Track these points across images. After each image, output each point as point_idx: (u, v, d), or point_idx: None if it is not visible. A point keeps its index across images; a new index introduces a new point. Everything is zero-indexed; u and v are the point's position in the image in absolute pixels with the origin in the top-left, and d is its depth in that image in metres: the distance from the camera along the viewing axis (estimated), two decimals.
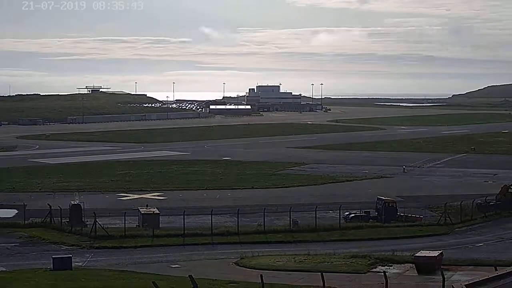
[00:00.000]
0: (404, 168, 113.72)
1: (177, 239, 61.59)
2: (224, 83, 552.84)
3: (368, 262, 52.34)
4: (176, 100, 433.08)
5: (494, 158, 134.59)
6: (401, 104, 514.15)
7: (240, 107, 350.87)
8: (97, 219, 62.28)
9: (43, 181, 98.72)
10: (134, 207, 72.92)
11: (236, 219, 65.53)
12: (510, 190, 78.58)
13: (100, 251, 57.91)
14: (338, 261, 52.80)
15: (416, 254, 51.54)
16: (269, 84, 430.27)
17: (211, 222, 64.26)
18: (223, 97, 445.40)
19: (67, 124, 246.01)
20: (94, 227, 62.11)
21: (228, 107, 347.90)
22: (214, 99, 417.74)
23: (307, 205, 76.99)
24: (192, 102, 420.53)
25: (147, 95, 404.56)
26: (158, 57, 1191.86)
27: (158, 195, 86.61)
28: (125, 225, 62.83)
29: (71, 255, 51.74)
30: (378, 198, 73.99)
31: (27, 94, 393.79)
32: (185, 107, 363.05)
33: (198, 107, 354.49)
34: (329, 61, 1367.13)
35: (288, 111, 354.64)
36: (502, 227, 69.40)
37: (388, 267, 50.99)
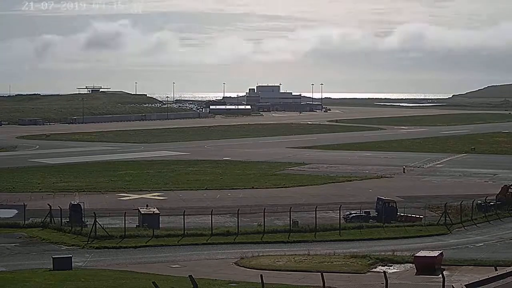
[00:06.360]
0: (404, 168, 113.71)
1: (177, 239, 61.57)
2: (224, 83, 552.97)
3: (368, 262, 52.38)
4: (176, 100, 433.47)
5: (494, 158, 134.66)
6: (401, 104, 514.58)
7: (240, 107, 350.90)
8: (97, 219, 62.23)
9: (43, 181, 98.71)
10: (134, 207, 72.86)
11: (236, 219, 65.51)
12: (510, 190, 78.62)
13: (100, 251, 57.90)
14: (338, 261, 52.82)
15: (416, 254, 51.58)
16: (269, 84, 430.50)
17: (211, 222, 64.21)
18: (223, 97, 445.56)
19: (67, 124, 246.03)
20: (94, 227, 62.08)
21: (228, 107, 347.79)
22: (214, 99, 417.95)
23: (307, 205, 76.96)
24: (192, 102, 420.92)
25: (147, 95, 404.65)
26: None
27: (158, 195, 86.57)
28: (125, 225, 62.77)
29: (71, 255, 51.82)
30: (378, 198, 73.92)
31: (27, 94, 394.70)
32: (185, 107, 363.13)
33: (198, 107, 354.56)
34: None
35: (288, 111, 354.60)
36: (502, 227, 69.36)
37: (388, 267, 51.04)
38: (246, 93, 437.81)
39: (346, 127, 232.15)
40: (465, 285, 26.25)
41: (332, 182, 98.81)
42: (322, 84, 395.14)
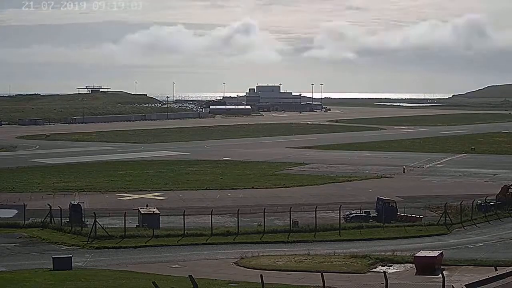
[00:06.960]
0: (404, 168, 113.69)
1: (177, 239, 61.59)
2: (224, 83, 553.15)
3: (368, 262, 52.39)
4: (176, 100, 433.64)
5: (494, 158, 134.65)
6: (401, 104, 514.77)
7: (240, 107, 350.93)
8: (97, 219, 62.25)
9: (43, 181, 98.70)
10: (134, 207, 72.87)
11: (236, 219, 65.52)
12: (510, 190, 78.62)
13: (100, 251, 57.91)
14: (338, 261, 52.83)
15: (416, 254, 51.60)
16: (269, 84, 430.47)
17: (211, 222, 64.22)
18: (223, 97, 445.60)
19: (67, 124, 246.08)
20: (94, 227, 62.09)
21: (228, 107, 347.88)
22: (214, 99, 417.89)
23: (307, 205, 76.93)
24: (192, 102, 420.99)
25: (147, 95, 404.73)
26: None
27: (158, 195, 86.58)
28: (125, 225, 62.78)
29: (71, 255, 51.82)
30: (378, 198, 73.92)
31: (27, 94, 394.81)
32: (185, 107, 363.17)
33: (198, 107, 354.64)
34: None
35: (288, 111, 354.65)
36: (502, 227, 69.38)
37: (388, 267, 51.05)
38: (246, 93, 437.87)
39: (346, 127, 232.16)
40: (465, 285, 26.22)
41: (332, 182, 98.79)
42: (322, 84, 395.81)
